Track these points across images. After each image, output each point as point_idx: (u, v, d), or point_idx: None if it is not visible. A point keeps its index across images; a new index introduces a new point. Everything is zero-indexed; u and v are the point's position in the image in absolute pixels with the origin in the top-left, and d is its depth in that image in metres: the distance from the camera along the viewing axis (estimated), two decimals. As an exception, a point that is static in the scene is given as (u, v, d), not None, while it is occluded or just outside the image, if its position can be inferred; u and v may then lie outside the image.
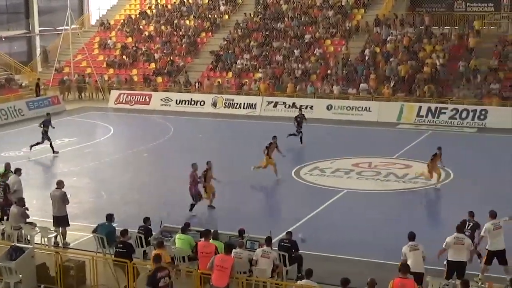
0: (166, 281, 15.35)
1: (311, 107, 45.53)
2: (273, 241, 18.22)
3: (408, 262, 16.76)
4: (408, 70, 46.30)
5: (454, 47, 47.77)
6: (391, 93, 45.26)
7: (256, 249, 17.94)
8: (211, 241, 17.90)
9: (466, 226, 19.21)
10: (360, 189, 28.37)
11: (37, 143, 34.36)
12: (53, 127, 35.26)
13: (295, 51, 50.98)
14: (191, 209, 24.45)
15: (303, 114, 36.96)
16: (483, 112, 41.78)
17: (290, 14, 55.31)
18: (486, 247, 18.47)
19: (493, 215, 18.73)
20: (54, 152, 34.54)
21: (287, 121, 37.82)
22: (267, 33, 53.95)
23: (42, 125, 34.66)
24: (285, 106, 46.11)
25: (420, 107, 43.22)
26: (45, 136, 34.41)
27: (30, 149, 34.23)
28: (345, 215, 24.52)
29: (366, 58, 48.48)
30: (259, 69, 50.59)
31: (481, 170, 31.34)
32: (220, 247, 17.49)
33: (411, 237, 17.39)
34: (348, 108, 44.85)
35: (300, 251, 18.71)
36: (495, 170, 31.19)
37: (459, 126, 41.75)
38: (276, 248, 18.41)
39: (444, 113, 42.59)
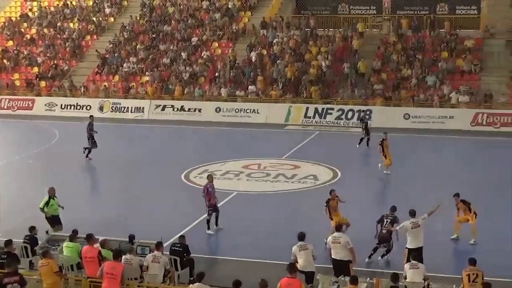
0: (15, 287, 14.92)
1: (200, 110, 45.50)
2: (164, 245, 17.97)
3: (299, 262, 16.89)
4: (294, 72, 46.89)
5: (338, 49, 48.72)
6: (279, 94, 45.71)
7: (147, 255, 17.65)
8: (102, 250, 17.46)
9: (384, 223, 19.71)
10: (250, 190, 28.48)
11: (89, 149, 33.77)
12: (96, 132, 34.05)
13: (182, 53, 50.74)
14: (216, 223, 23.29)
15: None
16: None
17: (177, 16, 55.00)
18: (406, 246, 18.81)
19: (412, 213, 19.08)
20: (87, 156, 33.80)
21: (176, 124, 37.61)
22: (153, 35, 53.43)
23: (88, 129, 33.89)
24: (173, 110, 45.83)
25: (307, 108, 43.87)
26: (91, 139, 33.71)
27: (87, 156, 33.80)
28: (236, 217, 24.48)
29: (253, 60, 48.77)
30: (146, 72, 50.05)
31: (367, 168, 32.08)
32: (108, 255, 17.08)
33: (301, 237, 17.50)
34: (237, 110, 45.02)
35: (192, 255, 18.56)
36: (380, 168, 31.96)
37: (345, 126, 42.63)
38: (168, 253, 18.18)
39: (331, 113, 43.44)
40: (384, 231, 19.67)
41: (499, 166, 31.81)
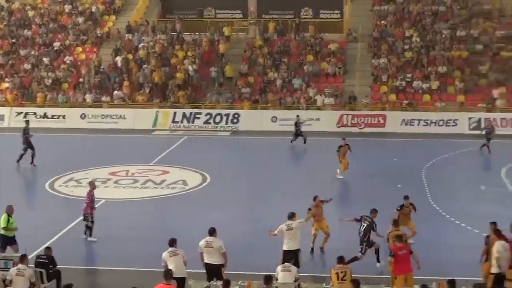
0: None
1: (64, 117, 44.25)
2: (29, 257, 17.19)
3: (170, 268, 16.59)
4: (161, 77, 46.41)
5: (205, 53, 48.64)
6: (146, 99, 45.11)
7: (10, 268, 16.82)
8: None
9: (360, 227, 19.69)
10: (118, 198, 27.90)
11: (22, 155, 32.46)
12: (31, 135, 32.92)
13: (44, 59, 49.18)
14: (85, 232, 22.37)
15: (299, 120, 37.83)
16: (235, 116, 43.00)
17: (38, 21, 53.26)
18: (282, 248, 18.76)
19: (289, 216, 18.99)
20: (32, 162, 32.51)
21: (39, 132, 36.27)
22: (13, 40, 51.50)
23: (23, 134, 32.70)
24: (35, 117, 44.17)
25: (175, 112, 43.55)
26: (28, 145, 32.42)
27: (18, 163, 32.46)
28: (105, 226, 23.72)
29: (119, 65, 47.90)
30: (6, 79, 48.14)
31: (236, 172, 32.13)
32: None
33: (171, 243, 17.25)
34: (103, 117, 44.08)
35: (59, 266, 17.85)
36: (250, 171, 32.13)
37: (213, 130, 42.62)
38: (33, 265, 17.40)
39: (199, 118, 43.32)
40: (361, 234, 19.64)
41: (365, 166, 32.66)
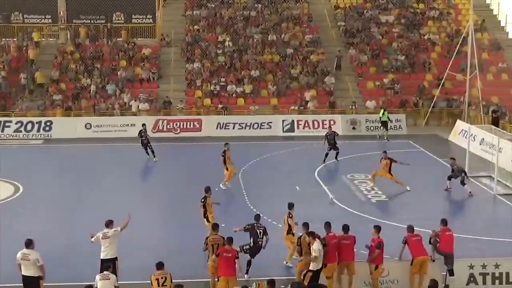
0: None
1: None
2: None
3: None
4: (-34, 84, 44.16)
5: (13, 59, 46.78)
6: None
7: None
8: None
9: (259, 234, 19.41)
10: None
11: None
12: None
13: None
14: None
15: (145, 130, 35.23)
16: (48, 124, 41.65)
17: None
18: (100, 256, 18.29)
19: (106, 224, 18.56)
20: None
21: None
22: None
23: None
24: None
25: (-21, 122, 41.56)
26: None
27: None
28: None
29: None
30: None
31: (51, 180, 31.23)
32: None
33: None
34: None
35: None
36: (64, 179, 31.29)
37: (25, 138, 41.03)
38: None
39: (9, 126, 41.55)
40: (261, 242, 19.44)
41: (182, 170, 32.74)
